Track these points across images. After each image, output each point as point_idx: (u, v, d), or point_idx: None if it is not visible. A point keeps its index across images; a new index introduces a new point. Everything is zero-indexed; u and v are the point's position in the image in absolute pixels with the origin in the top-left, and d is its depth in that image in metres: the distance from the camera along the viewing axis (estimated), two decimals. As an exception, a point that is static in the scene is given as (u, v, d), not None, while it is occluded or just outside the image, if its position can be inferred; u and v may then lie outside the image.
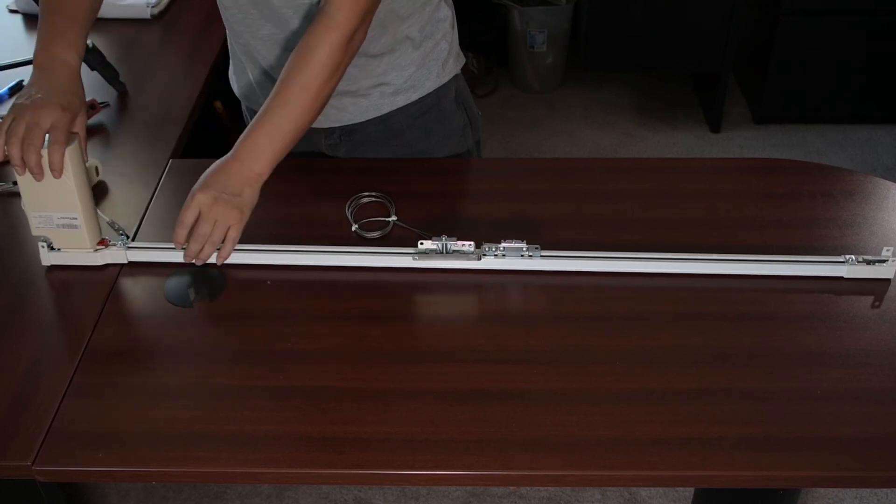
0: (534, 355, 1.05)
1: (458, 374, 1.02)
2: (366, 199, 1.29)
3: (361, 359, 1.04)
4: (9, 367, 1.05)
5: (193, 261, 1.14)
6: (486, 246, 1.15)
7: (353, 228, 1.23)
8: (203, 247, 1.12)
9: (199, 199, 1.11)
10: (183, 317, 1.11)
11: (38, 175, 1.10)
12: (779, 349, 1.05)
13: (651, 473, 0.92)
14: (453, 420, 0.97)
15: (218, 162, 1.15)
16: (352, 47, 1.15)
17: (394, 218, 1.24)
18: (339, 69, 1.15)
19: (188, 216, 1.11)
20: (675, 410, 0.97)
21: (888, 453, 0.93)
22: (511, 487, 1.91)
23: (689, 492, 1.89)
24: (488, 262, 1.14)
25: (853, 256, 1.13)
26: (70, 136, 1.11)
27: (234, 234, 1.13)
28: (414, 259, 1.15)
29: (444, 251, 1.15)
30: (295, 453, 0.94)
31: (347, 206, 1.27)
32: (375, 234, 1.23)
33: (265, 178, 1.14)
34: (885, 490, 1.92)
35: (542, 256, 1.14)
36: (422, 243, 1.15)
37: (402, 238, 1.21)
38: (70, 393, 1.01)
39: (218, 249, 1.14)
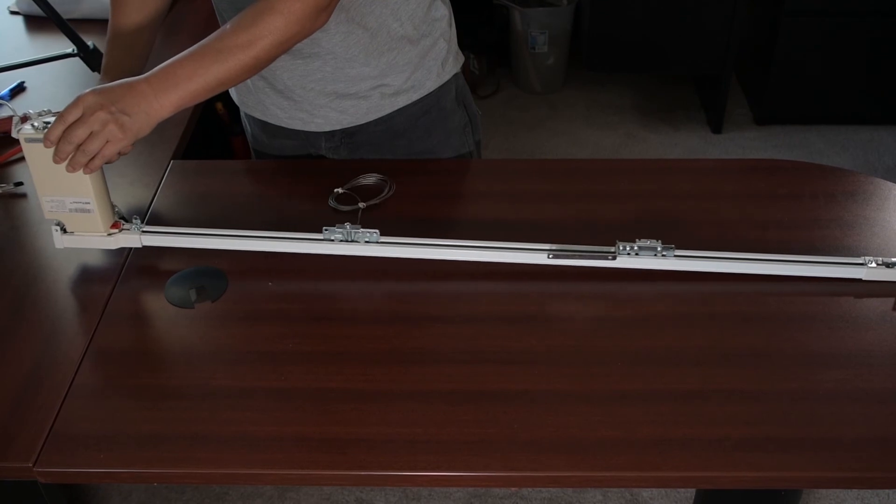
0: (535, 356, 1.05)
1: (459, 375, 1.02)
2: (369, 180, 1.30)
3: (363, 360, 1.04)
4: (10, 369, 1.05)
5: (68, 168, 1.08)
6: (620, 245, 1.13)
7: (336, 190, 1.25)
8: (75, 153, 1.07)
9: (87, 101, 1.06)
10: (184, 318, 1.11)
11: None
12: (781, 350, 1.05)
13: (653, 474, 0.92)
14: (455, 421, 0.97)
15: (129, 78, 1.10)
16: (313, 23, 1.12)
17: (362, 204, 1.25)
18: (292, 40, 1.12)
19: (70, 114, 1.05)
20: (677, 411, 0.97)
21: (890, 454, 0.93)
22: (513, 488, 1.91)
23: (690, 493, 1.89)
24: (623, 262, 1.14)
25: (872, 258, 1.13)
26: None
27: (110, 151, 1.08)
28: (549, 257, 1.13)
29: (349, 238, 1.15)
30: (296, 454, 0.94)
31: (350, 180, 1.29)
32: (347, 208, 1.24)
33: (164, 115, 1.09)
34: (886, 490, 1.91)
35: (675, 256, 1.13)
36: (325, 229, 1.15)
37: (374, 220, 1.21)
38: (71, 394, 1.01)
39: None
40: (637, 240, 1.14)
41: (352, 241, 1.15)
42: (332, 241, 1.16)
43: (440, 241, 1.16)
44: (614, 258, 1.14)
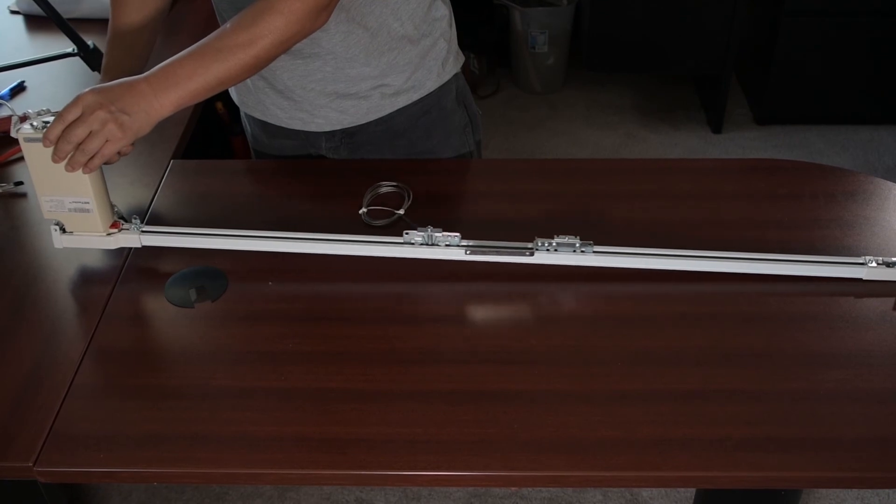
0: (535, 356, 1.05)
1: (459, 375, 1.02)
2: (385, 189, 1.30)
3: (363, 360, 1.04)
4: (10, 369, 1.05)
5: (67, 167, 1.09)
6: (538, 241, 1.14)
7: (361, 211, 1.24)
8: (74, 153, 1.07)
9: (87, 100, 1.06)
10: (184, 318, 1.11)
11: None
12: (781, 350, 1.05)
13: (653, 474, 0.92)
14: (455, 421, 0.97)
15: (128, 77, 1.10)
16: (314, 23, 1.12)
17: (401, 212, 1.24)
18: (292, 40, 1.12)
19: (69, 113, 1.05)
20: (677, 411, 0.97)
21: (890, 454, 0.93)
22: (512, 488, 1.91)
23: (690, 492, 1.89)
24: (541, 258, 1.14)
25: (872, 258, 1.13)
26: None
27: (109, 150, 1.08)
28: (467, 253, 1.14)
29: (430, 242, 1.14)
30: (297, 454, 0.94)
31: (366, 193, 1.28)
32: (381, 223, 1.23)
33: (164, 115, 1.09)
34: (886, 490, 1.91)
35: (594, 252, 1.13)
36: (407, 233, 1.15)
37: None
38: (71, 394, 1.01)
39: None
40: (556, 236, 1.14)
41: (432, 244, 1.15)
42: (413, 244, 1.15)
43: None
44: (532, 254, 1.14)
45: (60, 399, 1.01)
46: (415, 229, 1.15)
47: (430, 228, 1.15)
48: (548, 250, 1.14)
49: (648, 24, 2.85)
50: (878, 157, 2.92)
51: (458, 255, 1.15)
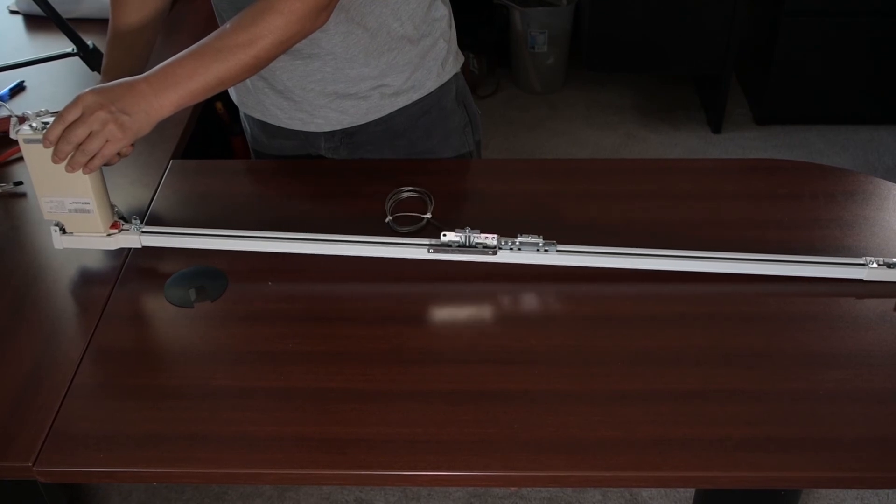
0: (536, 356, 1.05)
1: (459, 375, 1.02)
2: (406, 195, 1.29)
3: (363, 360, 1.04)
4: (10, 369, 1.05)
5: (67, 168, 1.09)
6: (501, 240, 1.14)
7: (387, 220, 1.24)
8: (74, 153, 1.07)
9: (87, 100, 1.06)
10: (184, 318, 1.11)
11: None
12: (781, 350, 1.05)
13: (652, 474, 0.92)
14: (455, 421, 0.97)
15: (128, 77, 1.10)
16: (314, 23, 1.12)
17: (428, 216, 1.24)
18: (292, 40, 1.12)
19: (70, 114, 1.05)
20: (677, 411, 0.97)
21: (890, 454, 0.93)
22: (512, 488, 1.91)
23: (690, 492, 1.89)
24: (504, 257, 1.14)
25: (873, 259, 1.13)
26: None
27: (109, 150, 1.08)
28: (429, 252, 1.14)
29: (467, 244, 1.14)
30: (296, 454, 0.94)
31: (387, 200, 1.27)
32: (408, 229, 1.23)
33: (164, 115, 1.09)
34: (886, 490, 1.92)
35: (557, 251, 1.13)
36: (444, 234, 1.15)
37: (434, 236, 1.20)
38: (71, 394, 1.01)
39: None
40: (519, 235, 1.14)
41: (470, 245, 1.14)
42: (450, 246, 1.14)
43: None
44: (495, 253, 1.14)
45: (60, 399, 1.01)
46: (452, 231, 1.14)
47: (467, 229, 1.14)
48: (511, 249, 1.14)
49: (648, 24, 2.85)
50: (878, 157, 2.92)
51: (420, 254, 1.15)
